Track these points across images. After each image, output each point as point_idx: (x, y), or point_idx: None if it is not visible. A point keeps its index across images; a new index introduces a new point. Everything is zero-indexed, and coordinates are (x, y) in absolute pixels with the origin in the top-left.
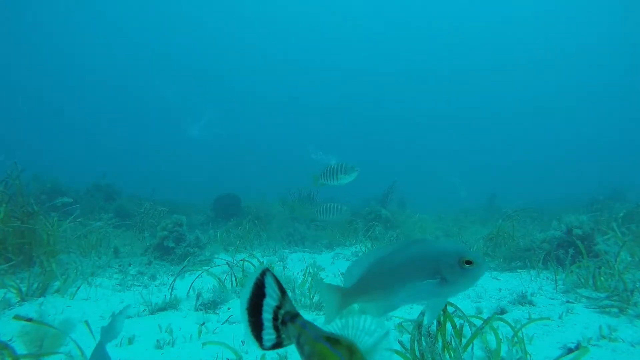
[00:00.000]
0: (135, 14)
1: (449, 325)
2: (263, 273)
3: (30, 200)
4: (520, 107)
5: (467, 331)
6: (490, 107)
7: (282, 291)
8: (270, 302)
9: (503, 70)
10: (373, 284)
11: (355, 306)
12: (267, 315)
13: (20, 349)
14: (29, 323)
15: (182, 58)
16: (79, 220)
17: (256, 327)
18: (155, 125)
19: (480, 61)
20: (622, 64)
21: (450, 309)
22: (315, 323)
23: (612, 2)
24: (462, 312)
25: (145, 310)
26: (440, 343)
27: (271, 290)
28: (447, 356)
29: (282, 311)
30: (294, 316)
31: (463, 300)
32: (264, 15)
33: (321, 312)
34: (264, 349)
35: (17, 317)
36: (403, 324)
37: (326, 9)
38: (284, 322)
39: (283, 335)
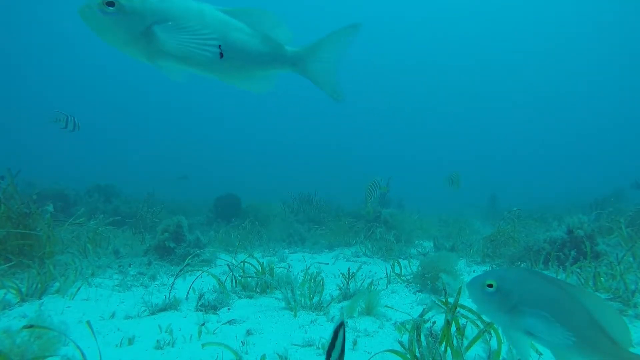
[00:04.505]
0: None
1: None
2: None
3: (27, 200)
4: (520, 107)
5: (468, 332)
6: (490, 106)
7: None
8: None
9: (503, 68)
10: None
11: (360, 305)
12: None
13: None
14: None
15: None
16: (77, 222)
17: None
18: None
19: (482, 58)
20: (625, 63)
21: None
22: (315, 323)
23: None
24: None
25: (145, 310)
26: (443, 343)
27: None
28: (449, 356)
29: None
30: None
31: (464, 300)
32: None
33: (321, 313)
34: None
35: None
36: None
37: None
38: None
39: None
